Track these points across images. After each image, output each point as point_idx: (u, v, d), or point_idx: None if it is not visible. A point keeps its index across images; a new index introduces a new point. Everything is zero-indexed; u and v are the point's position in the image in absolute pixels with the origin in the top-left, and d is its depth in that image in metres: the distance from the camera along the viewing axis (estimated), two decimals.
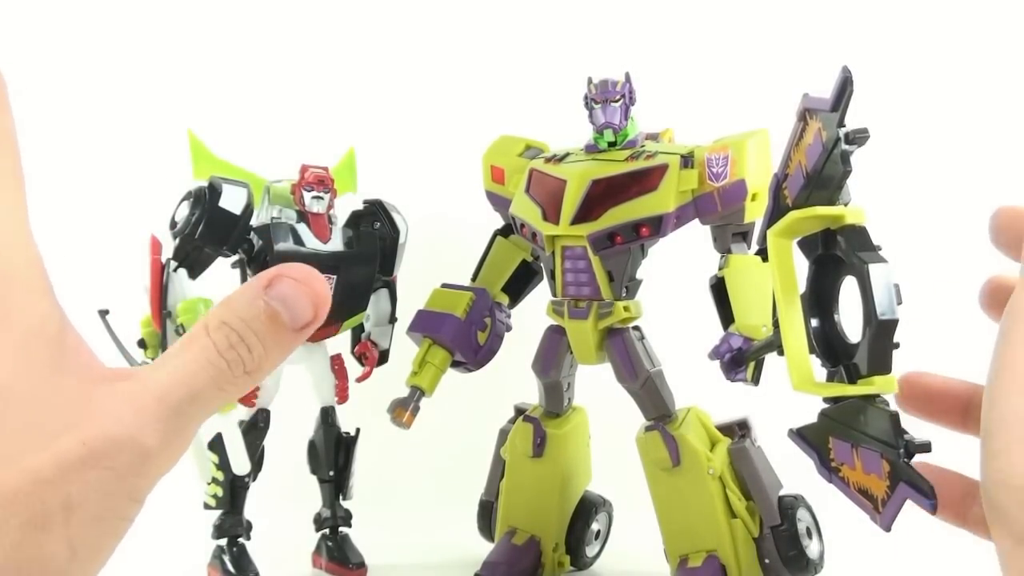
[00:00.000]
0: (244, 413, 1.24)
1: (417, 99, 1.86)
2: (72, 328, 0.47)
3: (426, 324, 1.28)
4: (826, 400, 0.88)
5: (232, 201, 1.16)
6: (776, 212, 0.94)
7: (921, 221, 1.81)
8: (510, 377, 1.37)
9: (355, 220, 1.33)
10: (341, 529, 1.35)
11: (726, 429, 1.20)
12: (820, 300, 0.89)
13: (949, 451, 0.88)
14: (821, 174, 0.85)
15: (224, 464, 1.20)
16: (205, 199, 1.15)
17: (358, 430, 1.36)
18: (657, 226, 1.13)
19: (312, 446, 1.35)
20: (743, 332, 1.11)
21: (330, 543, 1.34)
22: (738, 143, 1.10)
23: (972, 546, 1.05)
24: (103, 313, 1.16)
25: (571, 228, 1.16)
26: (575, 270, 1.18)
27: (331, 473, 1.34)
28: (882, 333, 0.77)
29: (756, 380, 1.11)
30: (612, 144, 1.19)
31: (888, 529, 0.79)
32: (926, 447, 0.75)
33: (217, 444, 1.20)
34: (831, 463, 0.87)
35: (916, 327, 1.00)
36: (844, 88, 0.80)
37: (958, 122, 1.85)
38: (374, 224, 1.33)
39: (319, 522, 1.35)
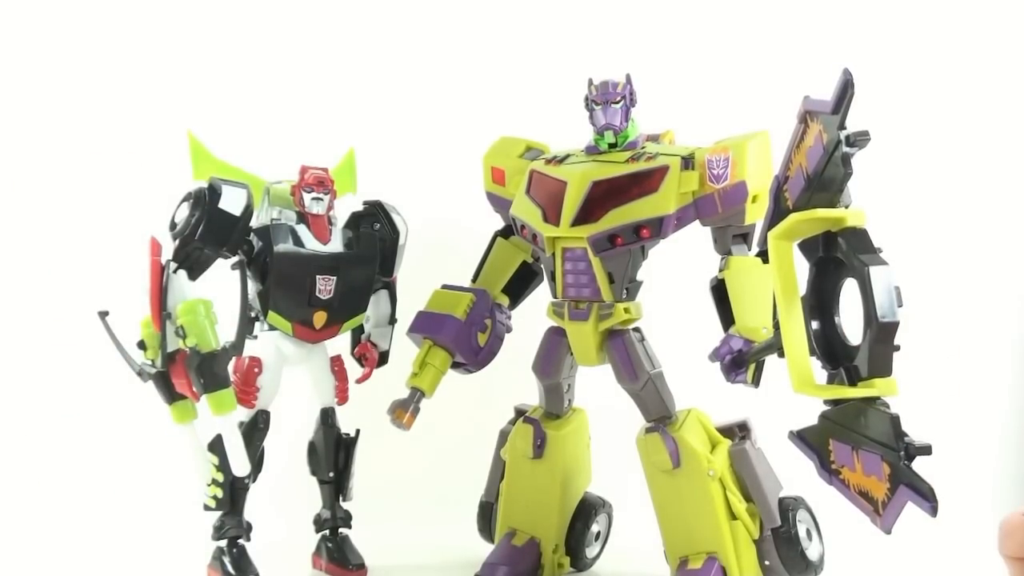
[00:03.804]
0: (244, 414, 1.24)
1: (417, 100, 1.86)
2: None
3: (426, 325, 1.28)
4: (826, 402, 0.88)
5: (232, 202, 1.16)
6: (777, 214, 0.95)
7: (922, 223, 1.81)
8: (510, 378, 1.37)
9: (355, 221, 1.33)
10: (341, 530, 1.35)
11: (726, 431, 1.20)
12: (821, 302, 0.89)
13: (950, 453, 0.88)
14: (822, 176, 0.85)
15: (224, 465, 1.20)
16: (205, 200, 1.15)
17: (358, 431, 1.36)
18: (658, 228, 1.13)
19: (312, 447, 1.35)
20: (743, 334, 1.11)
21: (330, 544, 1.34)
22: (739, 145, 1.10)
23: (972, 547, 1.06)
24: (103, 315, 1.16)
25: (571, 230, 1.16)
26: (575, 271, 1.18)
27: (331, 474, 1.34)
28: (883, 335, 0.77)
29: (756, 382, 1.11)
30: (613, 145, 1.19)
31: (889, 531, 0.79)
32: (926, 450, 0.75)
33: (217, 445, 1.20)
34: (831, 465, 0.87)
35: (916, 329, 1.00)
36: (845, 91, 0.80)
37: (958, 124, 1.86)
38: (374, 225, 1.33)
39: (319, 523, 1.35)
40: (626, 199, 1.14)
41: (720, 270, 1.18)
